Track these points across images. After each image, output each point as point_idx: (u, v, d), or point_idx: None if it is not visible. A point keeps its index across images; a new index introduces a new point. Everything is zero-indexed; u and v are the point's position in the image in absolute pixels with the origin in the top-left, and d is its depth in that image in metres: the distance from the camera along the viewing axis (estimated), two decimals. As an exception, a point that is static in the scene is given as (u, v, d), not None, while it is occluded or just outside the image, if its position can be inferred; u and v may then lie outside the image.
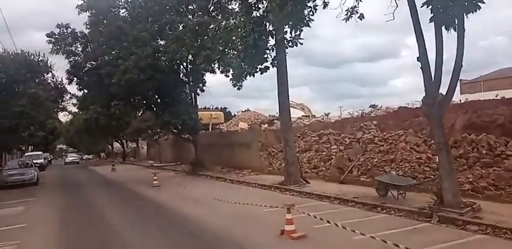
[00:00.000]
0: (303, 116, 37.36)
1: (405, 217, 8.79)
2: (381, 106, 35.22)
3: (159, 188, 16.62)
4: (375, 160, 13.94)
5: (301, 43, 12.66)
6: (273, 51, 13.85)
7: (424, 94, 8.97)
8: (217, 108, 53.59)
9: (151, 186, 17.04)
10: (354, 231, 6.68)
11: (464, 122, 13.83)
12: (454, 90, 8.74)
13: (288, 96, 14.46)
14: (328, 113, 43.94)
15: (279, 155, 19.70)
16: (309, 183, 13.93)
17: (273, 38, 13.53)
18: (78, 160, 55.39)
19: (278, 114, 39.30)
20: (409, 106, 28.85)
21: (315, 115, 40.73)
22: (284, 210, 7.77)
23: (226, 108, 69.31)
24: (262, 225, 8.46)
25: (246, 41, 12.69)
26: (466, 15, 7.48)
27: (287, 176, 14.03)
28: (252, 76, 13.79)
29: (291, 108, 41.34)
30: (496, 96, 22.17)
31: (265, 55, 13.89)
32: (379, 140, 15.43)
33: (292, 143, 14.75)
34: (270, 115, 39.31)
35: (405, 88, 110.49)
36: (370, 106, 43.37)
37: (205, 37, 19.23)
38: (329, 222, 7.83)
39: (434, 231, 7.50)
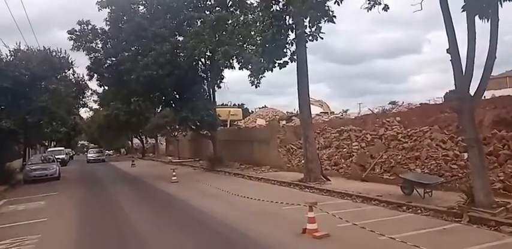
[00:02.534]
0: (321, 112, 36.92)
1: (433, 217, 8.39)
2: (403, 103, 34.44)
3: (178, 184, 16.61)
4: (399, 157, 13.48)
5: (322, 38, 12.30)
6: (292, 45, 13.52)
7: (454, 89, 8.53)
8: (235, 105, 53.66)
9: (170, 182, 17.05)
10: (379, 233, 6.42)
11: (494, 118, 13.20)
12: (487, 83, 8.27)
13: (308, 92, 14.14)
14: (347, 110, 43.25)
15: (298, 152, 19.40)
16: (330, 180, 13.61)
17: (292, 32, 13.21)
18: (103, 157, 46.62)
19: (298, 111, 39.19)
20: (431, 103, 28.10)
21: (333, 112, 40.17)
22: (304, 208, 7.54)
23: (244, 105, 69.24)
24: (283, 223, 8.24)
25: (265, 35, 12.41)
26: (501, 3, 7.01)
27: (307, 173, 13.74)
28: (270, 72, 13.54)
29: (311, 105, 40.96)
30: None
31: (285, 50, 13.59)
32: (402, 137, 14.93)
33: (313, 140, 14.44)
34: (287, 112, 39.06)
35: (426, 85, 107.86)
36: (390, 103, 42.42)
37: (223, 32, 19.02)
38: (353, 223, 7.64)
39: (465, 232, 7.11)
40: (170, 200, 12.72)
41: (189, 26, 21.05)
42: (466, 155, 11.92)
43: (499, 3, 7.12)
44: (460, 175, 11.20)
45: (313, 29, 11.94)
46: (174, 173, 17.48)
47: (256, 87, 17.48)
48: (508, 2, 6.81)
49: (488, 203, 7.94)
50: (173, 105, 23.81)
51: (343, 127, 18.69)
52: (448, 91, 47.86)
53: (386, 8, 10.18)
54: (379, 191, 11.02)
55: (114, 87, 24.35)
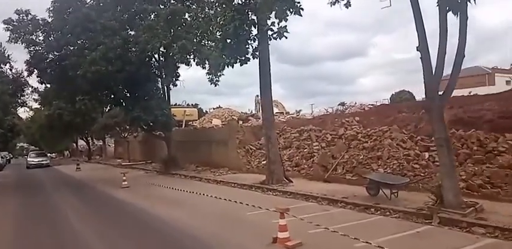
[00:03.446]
0: (277, 113, 36.80)
1: (403, 219, 8.15)
2: (356, 103, 35.28)
3: (129, 189, 15.35)
4: (360, 157, 13.35)
5: (286, 37, 11.81)
6: (254, 41, 12.91)
7: (424, 87, 8.36)
8: (189, 105, 52.14)
9: (120, 187, 15.73)
10: (354, 239, 5.99)
11: (451, 117, 13.41)
12: (456, 82, 8.19)
13: (271, 90, 13.61)
14: (300, 110, 43.74)
15: (258, 153, 18.87)
16: (292, 182, 13.16)
17: (255, 28, 12.60)
18: (47, 162, 39.06)
19: (252, 111, 38.83)
20: (377, 104, 28.89)
21: (288, 112, 40.29)
22: (271, 212, 6.98)
23: (198, 105, 67.72)
24: (250, 231, 7.58)
25: (226, 29, 11.67)
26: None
27: (269, 175, 13.18)
28: (231, 67, 12.82)
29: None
30: (470, 93, 22.40)
31: (247, 46, 12.94)
32: (362, 137, 14.88)
33: (275, 141, 13.92)
34: (242, 112, 38.54)
35: (373, 87, 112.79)
36: (339, 104, 43.47)
37: (180, 27, 17.99)
38: (325, 228, 7.17)
39: (439, 235, 6.87)
40: (121, 207, 11.56)
41: (142, 19, 19.72)
42: (427, 154, 12.05)
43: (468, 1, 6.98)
44: (422, 174, 11.21)
45: (278, 24, 11.38)
46: (124, 178, 16.15)
47: (215, 85, 16.75)
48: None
49: (457, 203, 7.82)
50: (123, 104, 22.25)
51: (303, 127, 18.42)
52: (394, 93, 50.22)
53: (348, 4, 10.09)
54: (343, 193, 10.72)
55: (57, 84, 22.22)
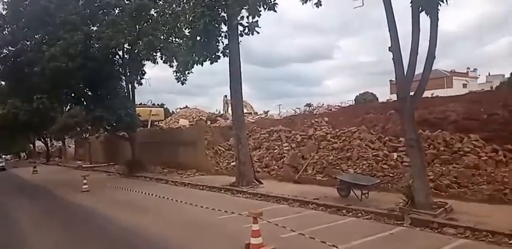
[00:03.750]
0: (246, 113, 36.47)
1: (375, 220, 8.09)
2: (323, 104, 35.74)
3: (90, 193, 14.50)
4: (330, 158, 13.32)
5: (258, 32, 11.56)
6: (225, 38, 12.56)
7: (396, 88, 8.35)
8: (154, 104, 50.79)
9: (80, 191, 14.84)
10: (330, 243, 5.78)
11: (417, 118, 13.53)
12: (427, 83, 8.22)
13: (241, 89, 13.28)
14: (268, 111, 43.81)
15: (227, 154, 18.50)
16: (263, 184, 12.90)
17: (225, 25, 12.25)
18: (2, 165, 37.18)
19: (220, 111, 38.31)
20: (343, 105, 29.37)
21: (257, 113, 40.15)
22: (242, 216, 6.68)
23: (164, 105, 66.20)
24: (221, 238, 7.21)
25: (195, 26, 11.24)
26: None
27: (239, 177, 12.86)
28: (200, 65, 12.44)
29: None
30: (432, 95, 23.13)
31: (217, 43, 12.58)
32: (332, 137, 14.90)
33: (246, 141, 13.61)
34: (210, 113, 38.02)
35: (338, 88, 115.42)
36: (305, 105, 44.02)
37: (146, 23, 17.30)
38: (299, 232, 6.92)
39: (412, 237, 6.82)
40: (80, 213, 10.82)
41: (106, 14, 18.80)
42: (395, 155, 12.18)
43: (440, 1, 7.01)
44: (391, 175, 11.30)
45: (249, 20, 11.10)
46: (85, 181, 15.25)
47: (182, 83, 16.23)
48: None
49: (428, 204, 7.85)
50: (85, 103, 21.16)
51: (272, 128, 18.26)
52: (358, 94, 51.43)
53: (319, 3, 10.05)
54: (314, 194, 10.59)
55: (12, 81, 20.80)
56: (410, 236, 6.86)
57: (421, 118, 13.63)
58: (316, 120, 17.08)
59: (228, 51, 12.50)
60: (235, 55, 12.72)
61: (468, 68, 73.62)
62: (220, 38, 12.66)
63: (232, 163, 17.00)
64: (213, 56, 12.58)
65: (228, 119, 31.18)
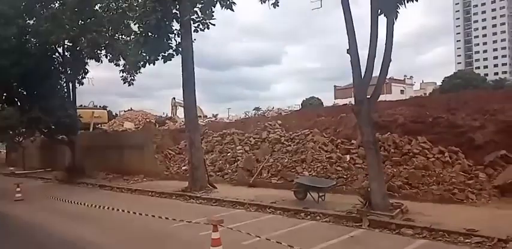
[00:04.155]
0: (196, 116, 35.73)
1: (333, 223, 8.04)
2: (273, 107, 36.12)
3: (25, 202, 13.05)
4: (285, 161, 13.22)
5: (214, 24, 11.14)
6: (178, 36, 12.02)
7: (354, 90, 8.38)
8: (96, 106, 48.01)
9: (13, 200, 13.33)
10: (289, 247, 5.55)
11: (367, 122, 14.08)
12: (383, 85, 8.36)
13: (195, 90, 12.75)
14: (217, 114, 43.49)
15: (177, 158, 17.79)
16: (217, 188, 12.45)
17: (177, 22, 11.71)
18: None
19: (173, 113, 37.13)
20: (289, 109, 29.89)
21: (207, 116, 39.51)
22: (198, 224, 6.26)
23: (107, 107, 62.88)
24: (178, 247, 6.69)
25: (147, 21, 10.59)
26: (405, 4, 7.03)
27: (192, 182, 12.29)
28: (152, 65, 11.77)
29: (181, 108, 39.20)
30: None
31: (169, 41, 12.01)
32: (286, 140, 14.85)
33: (199, 144, 13.07)
34: (157, 115, 36.79)
35: (285, 93, 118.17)
36: (254, 109, 44.36)
37: (89, 19, 16.10)
38: (259, 238, 6.62)
39: (373, 239, 6.80)
40: (13, 224, 9.64)
41: (44, 7, 17.24)
42: (348, 157, 12.35)
43: (399, 4, 7.14)
44: (345, 176, 11.42)
45: (202, 15, 10.67)
46: (18, 189, 13.73)
47: (129, 84, 15.43)
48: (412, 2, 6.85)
49: (385, 205, 7.93)
50: (19, 103, 19.25)
51: (225, 131, 17.87)
52: (305, 99, 52.84)
53: (276, 3, 10.00)
54: (271, 197, 10.38)
55: None
56: (370, 238, 6.84)
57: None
58: (270, 122, 16.97)
59: (180, 49, 11.95)
60: (189, 53, 12.18)
61: (405, 75, 78.57)
62: (173, 35, 12.08)
63: (183, 167, 16.34)
64: (166, 55, 11.96)
65: (177, 122, 30.28)
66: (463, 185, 9.13)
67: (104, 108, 52.18)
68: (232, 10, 10.20)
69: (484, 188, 8.86)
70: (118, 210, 10.00)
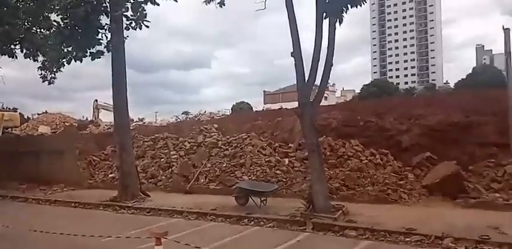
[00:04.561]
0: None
1: (278, 228, 7.89)
2: (205, 112, 35.51)
3: None
4: (223, 165, 12.86)
5: (147, 26, 10.47)
6: (109, 31, 11.09)
7: (298, 94, 8.37)
8: (6, 108, 42.92)
9: None
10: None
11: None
12: (325, 88, 8.48)
13: (126, 90, 11.81)
14: (143, 118, 41.56)
15: (103, 165, 16.41)
16: (150, 196, 11.62)
17: (107, 17, 10.80)
18: None
19: (94, 116, 34.67)
20: (222, 113, 29.73)
21: (133, 119, 37.47)
22: (131, 238, 5.70)
23: (17, 109, 56.57)
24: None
25: (74, 13, 9.56)
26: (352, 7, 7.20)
27: (122, 190, 11.31)
28: (79, 62, 10.68)
29: (104, 111, 36.78)
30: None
31: (98, 37, 11.02)
32: (223, 144, 14.50)
33: (131, 149, 12.11)
34: (77, 119, 34.14)
35: (215, 97, 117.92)
36: (183, 113, 43.21)
37: (1, 10, 14.18)
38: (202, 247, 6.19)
39: (319, 243, 6.78)
40: None
41: None
42: (286, 160, 12.40)
43: (344, 7, 7.30)
44: (284, 180, 11.40)
45: (133, 13, 9.97)
46: None
47: (49, 83, 13.95)
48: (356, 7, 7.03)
49: (327, 207, 8.01)
50: None
51: (157, 135, 16.94)
52: (235, 103, 53.07)
53: (222, 3, 9.78)
54: (210, 204, 9.95)
55: None
56: (316, 242, 6.80)
57: (306, 124, 14.41)
58: (206, 126, 16.48)
59: (111, 45, 11.00)
60: (120, 51, 11.26)
61: (328, 83, 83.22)
62: (103, 30, 11.11)
63: (110, 175, 15.12)
64: (96, 51, 10.94)
65: (99, 126, 28.20)
66: (395, 185, 9.62)
67: (15, 110, 46.89)
68: (157, 4, 9.71)
69: (414, 188, 9.43)
70: (38, 222, 8.80)
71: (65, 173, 15.61)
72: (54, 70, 13.42)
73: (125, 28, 10.85)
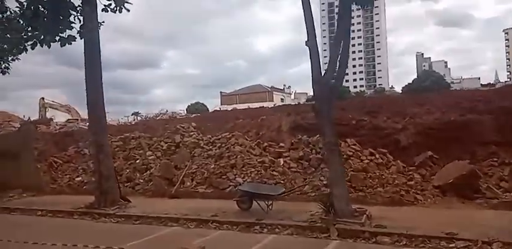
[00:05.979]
0: (71, 119, 31.50)
1: (297, 235, 7.07)
2: (166, 111, 33.79)
3: None
4: (212, 167, 11.78)
5: (128, 10, 9.24)
6: (81, 15, 9.67)
7: (314, 86, 7.60)
8: None
9: None
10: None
11: (291, 124, 13.71)
12: (342, 80, 7.80)
13: (102, 84, 10.34)
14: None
15: (66, 168, 14.62)
16: (131, 202, 10.28)
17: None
18: None
19: (41, 115, 31.76)
20: (176, 115, 28.42)
21: (84, 119, 34.80)
22: None
23: (-52, 108, 50.60)
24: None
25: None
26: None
27: (101, 196, 9.85)
28: (46, 47, 9.17)
29: (52, 110, 33.98)
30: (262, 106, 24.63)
31: (69, 20, 9.58)
32: (205, 144, 13.44)
33: (109, 149, 10.64)
34: (20, 118, 31.06)
35: (166, 98, 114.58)
36: (133, 114, 40.88)
37: None
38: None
39: (355, 251, 6.05)
40: None
41: None
42: (281, 161, 11.62)
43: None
44: (282, 181, 10.61)
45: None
46: None
47: (3, 73, 12.14)
48: None
49: (350, 212, 7.35)
50: None
51: (127, 134, 15.44)
52: (190, 104, 51.38)
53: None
54: (207, 210, 8.89)
55: None
56: (352, 251, 6.08)
57: (295, 124, 13.72)
58: (182, 125, 15.22)
59: (84, 32, 9.54)
60: (94, 38, 9.76)
61: (284, 85, 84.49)
62: (75, 13, 9.67)
63: (77, 178, 13.45)
64: (67, 36, 9.47)
65: (50, 126, 25.72)
66: (405, 186, 9.17)
67: None
68: None
69: (426, 189, 9.04)
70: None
71: (23, 177, 13.58)
72: (10, 57, 11.60)
73: (102, 10, 9.50)
